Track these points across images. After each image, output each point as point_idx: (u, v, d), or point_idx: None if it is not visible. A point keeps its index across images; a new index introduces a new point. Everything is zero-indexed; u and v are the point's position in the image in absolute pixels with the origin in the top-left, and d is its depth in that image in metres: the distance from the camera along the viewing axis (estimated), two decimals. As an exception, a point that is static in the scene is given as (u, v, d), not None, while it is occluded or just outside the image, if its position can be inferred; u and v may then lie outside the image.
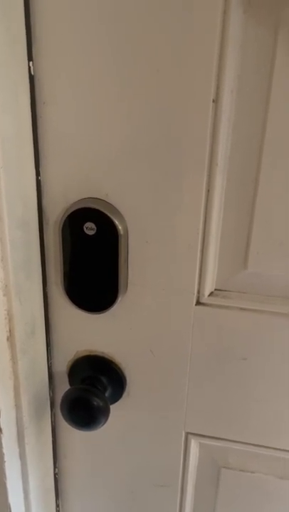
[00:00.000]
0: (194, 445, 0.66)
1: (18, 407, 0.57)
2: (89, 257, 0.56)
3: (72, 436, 0.70)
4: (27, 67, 0.48)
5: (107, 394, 0.62)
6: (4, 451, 0.56)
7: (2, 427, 0.54)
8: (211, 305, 0.57)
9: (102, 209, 0.53)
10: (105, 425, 0.59)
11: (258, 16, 0.45)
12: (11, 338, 0.53)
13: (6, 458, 0.56)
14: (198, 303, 0.57)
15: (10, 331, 0.53)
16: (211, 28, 0.44)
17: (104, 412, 0.58)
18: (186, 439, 0.66)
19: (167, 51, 0.46)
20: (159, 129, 0.49)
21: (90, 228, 0.54)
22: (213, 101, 0.47)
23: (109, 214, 0.53)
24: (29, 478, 0.63)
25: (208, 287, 0.56)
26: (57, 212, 0.55)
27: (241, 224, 0.53)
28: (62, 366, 0.65)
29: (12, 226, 0.49)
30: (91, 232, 0.54)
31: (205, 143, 0.49)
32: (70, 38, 0.47)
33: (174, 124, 0.48)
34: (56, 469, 0.73)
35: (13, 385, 0.56)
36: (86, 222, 0.54)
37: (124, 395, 0.64)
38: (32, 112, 0.50)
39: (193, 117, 0.48)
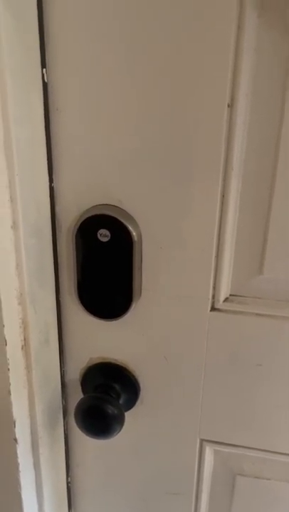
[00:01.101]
0: (209, 452, 0.66)
1: (32, 416, 0.57)
2: (102, 264, 0.55)
3: (85, 444, 0.69)
4: (40, 75, 0.48)
5: (120, 401, 0.62)
6: (19, 461, 0.55)
7: (17, 436, 0.54)
8: (226, 311, 0.56)
9: (116, 215, 0.53)
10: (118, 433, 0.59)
11: (272, 20, 0.45)
12: (25, 347, 0.53)
13: (21, 468, 0.56)
14: (213, 309, 0.56)
15: (25, 339, 0.52)
16: (225, 33, 0.44)
17: (120, 420, 0.57)
18: (201, 446, 0.65)
19: (182, 57, 0.46)
20: (174, 134, 0.49)
21: (103, 235, 0.53)
22: (229, 105, 0.47)
23: (123, 220, 0.53)
24: (43, 488, 0.62)
25: (223, 293, 0.56)
26: (70, 219, 0.55)
27: (257, 228, 0.52)
28: (75, 374, 0.64)
29: (26, 234, 0.49)
30: (105, 239, 0.54)
31: (220, 147, 0.48)
32: (83, 45, 0.47)
33: (188, 129, 0.48)
34: (69, 478, 0.72)
35: (27, 394, 0.55)
36: (100, 229, 0.53)
37: (138, 402, 0.63)
38: (45, 118, 0.50)
39: (208, 122, 0.47)
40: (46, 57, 0.48)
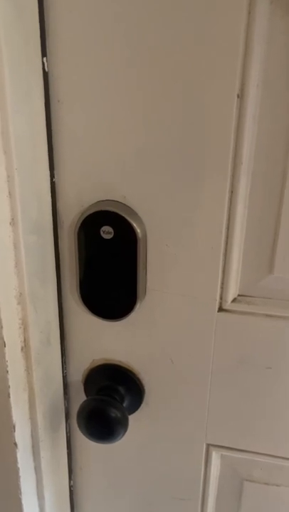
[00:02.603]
0: (216, 457, 0.64)
1: (32, 419, 0.55)
2: (106, 262, 0.53)
3: (88, 447, 0.67)
4: (41, 64, 0.46)
5: (124, 404, 0.60)
6: (19, 465, 0.53)
7: (17, 441, 0.52)
8: (234, 311, 0.54)
9: (119, 212, 0.50)
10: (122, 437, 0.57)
11: (285, 7, 0.42)
12: (25, 348, 0.51)
13: (21, 473, 0.54)
14: (220, 309, 0.54)
15: (25, 340, 0.50)
16: (236, 20, 0.42)
17: (124, 424, 0.55)
18: (207, 450, 0.63)
19: (190, 45, 0.43)
20: (180, 126, 0.46)
21: (107, 232, 0.51)
22: (238, 96, 0.45)
23: (127, 217, 0.51)
24: (44, 493, 0.60)
25: (232, 293, 0.54)
26: (72, 215, 0.53)
27: (267, 226, 0.50)
28: (77, 375, 0.62)
29: (26, 231, 0.47)
30: (108, 236, 0.51)
31: (229, 141, 0.46)
32: (86, 32, 0.45)
33: (195, 121, 0.46)
34: (71, 482, 0.70)
35: (27, 397, 0.53)
36: (103, 225, 0.51)
37: (143, 405, 0.61)
38: (46, 110, 0.48)
39: (216, 114, 0.45)
40: (47, 46, 0.46)
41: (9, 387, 0.49)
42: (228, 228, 0.50)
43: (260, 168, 0.48)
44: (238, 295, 0.54)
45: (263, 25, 0.43)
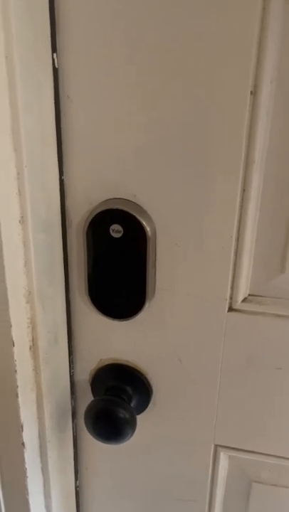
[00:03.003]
0: (223, 458, 0.63)
1: (40, 419, 0.54)
2: (115, 261, 0.52)
3: (94, 447, 0.67)
4: (51, 60, 0.45)
5: (132, 404, 0.59)
6: (27, 466, 0.53)
7: (25, 441, 0.51)
8: (244, 311, 0.53)
9: (129, 210, 0.50)
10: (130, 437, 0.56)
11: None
12: (33, 347, 0.50)
13: (28, 473, 0.54)
14: (230, 309, 0.53)
15: (33, 340, 0.50)
16: (250, 16, 0.41)
17: (132, 425, 0.55)
18: (215, 451, 0.63)
19: (201, 41, 0.43)
20: (192, 124, 0.46)
21: (116, 231, 0.51)
22: (252, 93, 0.44)
23: (136, 215, 0.50)
24: (51, 493, 0.60)
25: (242, 292, 0.53)
26: (81, 213, 0.52)
27: (279, 225, 0.49)
28: (84, 375, 0.62)
29: (36, 229, 0.46)
30: (117, 235, 0.51)
31: (241, 139, 0.45)
32: (97, 28, 0.44)
33: (207, 118, 0.45)
34: (77, 482, 0.70)
35: (35, 397, 0.53)
36: (112, 224, 0.50)
37: (150, 405, 0.61)
38: (55, 106, 0.47)
39: (229, 111, 0.44)
40: (57, 41, 0.45)
41: (17, 386, 0.49)
42: (239, 228, 0.49)
43: (273, 166, 0.47)
44: (249, 295, 0.54)
45: (277, 22, 0.42)
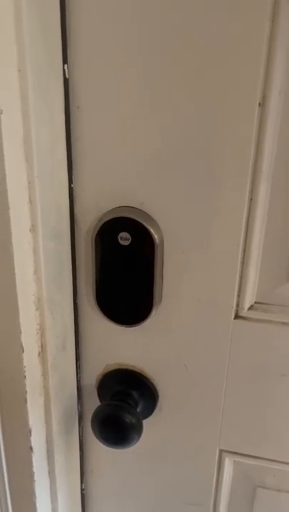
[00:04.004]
0: (228, 463, 0.63)
1: (48, 424, 0.55)
2: (123, 268, 0.53)
3: (100, 450, 0.67)
4: (62, 70, 0.46)
5: (138, 409, 0.60)
6: (34, 470, 0.53)
7: (33, 445, 0.52)
8: (250, 319, 0.54)
9: (137, 218, 0.50)
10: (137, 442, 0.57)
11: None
12: (42, 353, 0.51)
13: (36, 477, 0.54)
14: (237, 316, 0.54)
15: (42, 345, 0.51)
16: (259, 27, 0.42)
17: (138, 430, 0.55)
18: (220, 456, 0.63)
19: (210, 52, 0.43)
20: (200, 134, 0.46)
21: (124, 238, 0.51)
22: (260, 104, 0.44)
23: (144, 223, 0.50)
24: (58, 496, 0.61)
25: (248, 300, 0.53)
26: (89, 221, 0.53)
27: (286, 234, 0.50)
28: (91, 380, 0.62)
29: (45, 237, 0.47)
30: (126, 243, 0.51)
31: (249, 149, 0.46)
32: (108, 39, 0.45)
33: (216, 129, 0.46)
34: (83, 484, 0.71)
35: (43, 402, 0.53)
36: (121, 231, 0.51)
37: (156, 410, 0.61)
38: (66, 117, 0.48)
39: (237, 122, 0.45)
40: (68, 53, 0.46)
41: (26, 392, 0.49)
42: (246, 236, 0.50)
43: (280, 176, 0.48)
44: (255, 302, 0.54)
45: (285, 34, 0.42)
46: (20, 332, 0.47)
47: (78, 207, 0.53)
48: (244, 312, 0.54)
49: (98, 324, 0.58)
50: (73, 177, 0.51)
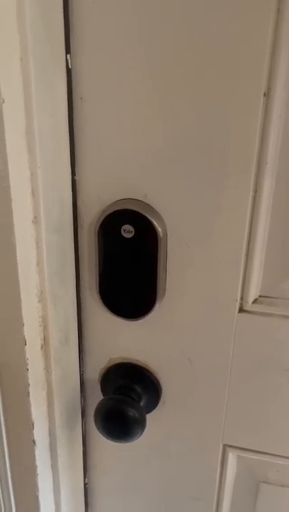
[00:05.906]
0: (232, 458, 0.63)
1: (50, 417, 0.55)
2: (126, 261, 0.53)
3: (103, 445, 0.67)
4: (64, 61, 0.45)
5: (141, 403, 0.60)
6: (37, 463, 0.53)
7: (36, 438, 0.52)
8: (254, 312, 0.53)
9: (140, 211, 0.50)
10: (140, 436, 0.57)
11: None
12: (45, 346, 0.51)
13: (38, 470, 0.54)
14: (241, 310, 0.54)
15: (44, 338, 0.50)
16: (264, 17, 0.41)
17: (141, 424, 0.55)
18: (224, 451, 0.63)
19: (218, 43, 0.43)
20: (204, 125, 0.46)
21: (127, 231, 0.51)
22: (265, 94, 0.44)
23: (148, 216, 0.50)
24: (60, 490, 0.61)
25: (253, 294, 0.53)
26: (92, 214, 0.53)
27: (291, 227, 0.49)
28: (94, 374, 0.62)
29: (48, 229, 0.47)
30: (129, 235, 0.51)
31: (254, 140, 0.45)
32: (111, 30, 0.44)
33: (220, 119, 0.45)
34: (86, 479, 0.71)
35: (46, 395, 0.53)
36: (124, 224, 0.51)
37: (160, 404, 0.61)
38: (68, 108, 0.47)
39: (241, 112, 0.44)
40: (71, 43, 0.45)
41: (29, 385, 0.49)
42: (250, 229, 0.49)
43: (285, 168, 0.47)
44: (259, 296, 0.54)
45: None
46: (23, 324, 0.46)
47: (81, 199, 0.52)
48: (248, 306, 0.53)
49: (101, 317, 0.58)
50: (76, 169, 0.51)
